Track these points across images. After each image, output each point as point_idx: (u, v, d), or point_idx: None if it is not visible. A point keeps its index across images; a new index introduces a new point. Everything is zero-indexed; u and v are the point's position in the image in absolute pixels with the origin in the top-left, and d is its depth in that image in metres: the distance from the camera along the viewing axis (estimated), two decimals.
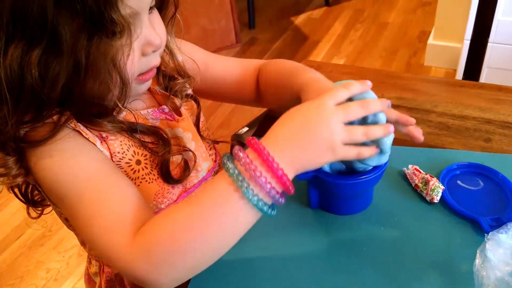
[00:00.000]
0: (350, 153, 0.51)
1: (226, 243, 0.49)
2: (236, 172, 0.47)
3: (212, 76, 0.76)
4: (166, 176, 0.62)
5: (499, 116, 0.75)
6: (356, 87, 0.53)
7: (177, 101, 0.67)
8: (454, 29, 2.08)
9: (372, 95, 0.55)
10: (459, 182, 0.66)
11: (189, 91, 0.70)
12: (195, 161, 0.67)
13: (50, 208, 0.69)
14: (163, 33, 0.58)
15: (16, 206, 1.75)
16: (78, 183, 0.52)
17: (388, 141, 0.55)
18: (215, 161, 0.73)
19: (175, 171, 0.64)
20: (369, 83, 0.54)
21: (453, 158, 0.69)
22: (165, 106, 0.65)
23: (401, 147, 0.72)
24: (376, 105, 0.53)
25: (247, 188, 0.46)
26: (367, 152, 0.53)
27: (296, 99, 0.63)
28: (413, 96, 0.82)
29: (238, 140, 0.85)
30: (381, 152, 0.55)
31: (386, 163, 0.58)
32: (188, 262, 0.49)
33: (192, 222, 0.48)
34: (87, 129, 0.55)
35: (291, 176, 0.48)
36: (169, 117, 0.65)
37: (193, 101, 0.70)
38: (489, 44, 1.37)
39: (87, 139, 0.54)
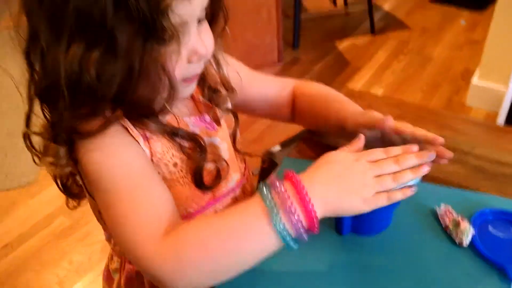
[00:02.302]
0: (381, 202, 0.55)
1: (245, 261, 0.53)
2: (270, 198, 0.51)
3: (250, 92, 0.79)
4: (199, 181, 0.65)
5: None
6: (388, 163, 0.56)
7: (219, 112, 0.70)
8: (500, 71, 2.05)
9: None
10: (490, 228, 0.65)
11: (229, 105, 0.73)
12: (227, 171, 0.69)
13: (85, 201, 0.73)
14: (210, 44, 0.60)
15: (49, 195, 1.81)
16: (119, 178, 0.55)
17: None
18: (244, 174, 0.75)
19: (207, 178, 0.66)
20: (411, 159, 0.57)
21: (487, 203, 0.68)
22: (206, 115, 0.68)
23: (434, 185, 0.72)
24: (411, 160, 0.56)
25: (276, 215, 0.50)
26: (399, 195, 0.56)
27: (338, 127, 0.69)
28: (452, 135, 0.82)
29: (270, 158, 0.86)
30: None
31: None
32: (210, 269, 0.52)
33: (222, 233, 0.52)
34: (134, 126, 0.58)
35: (319, 216, 0.52)
36: (209, 126, 0.68)
37: (232, 115, 0.73)
38: None
39: (133, 136, 0.58)
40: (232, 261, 0.53)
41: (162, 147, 0.61)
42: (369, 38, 2.85)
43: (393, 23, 3.02)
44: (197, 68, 0.60)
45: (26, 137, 0.61)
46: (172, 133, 0.62)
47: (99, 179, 0.56)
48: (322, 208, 0.52)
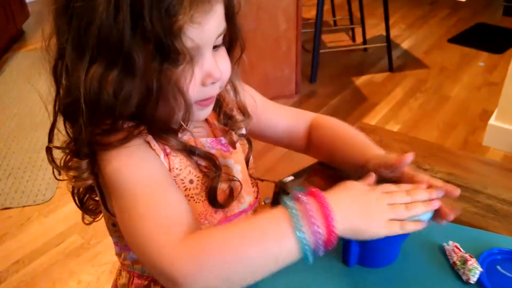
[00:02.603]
0: (394, 229, 0.57)
1: (263, 267, 0.53)
2: (295, 209, 0.53)
3: (265, 119, 0.81)
4: (212, 199, 0.67)
5: None
6: (400, 194, 0.60)
7: (234, 137, 0.73)
8: None
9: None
10: (499, 267, 0.64)
11: (243, 131, 0.75)
12: (240, 191, 0.72)
13: (99, 219, 0.74)
14: (226, 70, 0.64)
15: (63, 214, 1.84)
16: (139, 183, 0.57)
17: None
18: (256, 197, 0.77)
19: (220, 197, 0.69)
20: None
21: (496, 243, 0.68)
22: (222, 138, 0.71)
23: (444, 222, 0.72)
24: (422, 194, 0.59)
25: (299, 222, 0.52)
26: (411, 226, 0.58)
27: (358, 166, 0.71)
28: (463, 174, 0.82)
29: (282, 188, 0.87)
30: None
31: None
32: (228, 274, 0.52)
33: (243, 238, 0.53)
34: (156, 141, 0.61)
35: (338, 232, 0.53)
36: (224, 149, 0.71)
37: (245, 140, 0.75)
38: None
39: (154, 150, 0.61)
40: (250, 266, 0.53)
41: (180, 163, 0.64)
42: (387, 75, 2.88)
43: (411, 61, 3.05)
44: (211, 91, 0.63)
45: (49, 151, 0.65)
46: (190, 151, 0.65)
47: (119, 185, 0.57)
48: (342, 225, 0.53)
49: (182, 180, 0.65)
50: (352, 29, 3.37)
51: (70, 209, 1.87)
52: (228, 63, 0.65)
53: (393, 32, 3.37)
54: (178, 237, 0.53)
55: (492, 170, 0.83)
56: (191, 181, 0.66)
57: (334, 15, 3.50)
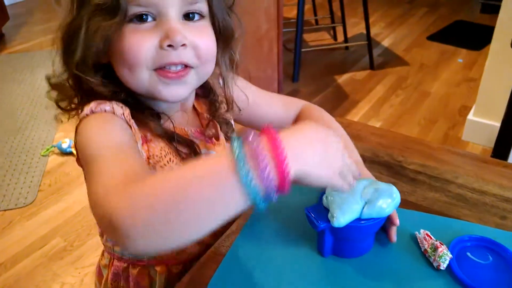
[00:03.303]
0: (346, 185, 0.55)
1: (203, 217, 0.47)
2: (241, 152, 0.46)
3: (257, 111, 0.84)
4: None
5: None
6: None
7: (220, 129, 0.75)
8: (495, 108, 2.09)
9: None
10: (468, 254, 0.66)
11: (231, 121, 0.79)
12: None
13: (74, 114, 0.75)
14: (203, 44, 0.63)
15: (45, 217, 1.83)
16: (104, 146, 0.58)
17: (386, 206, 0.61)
18: None
19: None
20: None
21: (466, 230, 0.70)
22: (208, 130, 0.73)
23: (416, 211, 0.74)
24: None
25: (245, 170, 0.45)
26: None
27: None
28: (436, 165, 0.84)
29: None
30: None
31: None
32: (165, 218, 0.46)
33: (180, 182, 0.47)
34: (138, 127, 0.63)
35: (291, 173, 0.47)
36: (208, 140, 0.73)
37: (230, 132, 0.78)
38: None
39: (134, 135, 0.62)
40: (188, 213, 0.46)
41: (161, 151, 0.66)
42: (368, 72, 2.92)
43: (392, 59, 3.09)
44: (169, 57, 0.61)
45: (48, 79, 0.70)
46: (170, 137, 0.66)
47: (87, 150, 0.58)
48: (296, 166, 0.47)
49: (161, 167, 0.66)
50: (334, 28, 3.40)
51: (52, 212, 1.85)
52: (208, 39, 0.64)
53: (374, 31, 3.41)
54: (122, 182, 0.50)
55: (464, 160, 0.86)
56: (170, 169, 0.66)
57: (315, 14, 3.53)
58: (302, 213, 0.64)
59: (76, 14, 0.61)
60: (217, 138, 0.74)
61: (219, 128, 0.75)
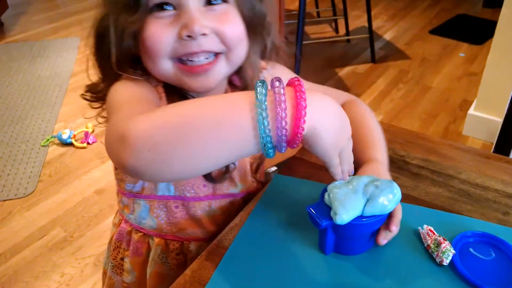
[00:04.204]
0: (337, 160, 0.55)
1: (209, 148, 0.47)
2: (264, 96, 0.46)
3: None
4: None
5: None
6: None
7: None
8: (496, 103, 2.08)
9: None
10: (471, 249, 0.66)
11: None
12: (233, 171, 0.74)
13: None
14: (228, 32, 0.62)
15: (45, 207, 1.83)
16: (127, 97, 0.61)
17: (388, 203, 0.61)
18: (253, 191, 0.80)
19: (215, 173, 0.71)
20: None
21: (469, 226, 0.69)
22: None
23: (419, 207, 0.74)
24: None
25: (264, 114, 0.45)
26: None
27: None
28: (438, 159, 0.84)
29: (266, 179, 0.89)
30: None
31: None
32: (166, 141, 0.47)
33: (196, 107, 0.48)
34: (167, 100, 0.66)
35: (306, 127, 0.47)
36: None
37: None
38: None
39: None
40: (199, 137, 0.46)
41: None
42: (370, 66, 2.91)
43: (393, 52, 3.08)
44: (189, 46, 0.60)
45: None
46: None
47: (112, 102, 0.62)
48: (312, 122, 0.48)
49: None
50: (335, 21, 3.39)
51: (52, 202, 1.86)
52: (232, 23, 0.63)
53: (376, 24, 3.40)
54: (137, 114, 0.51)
55: (467, 156, 0.85)
56: None
57: (317, 7, 3.51)
58: (303, 211, 0.63)
59: (103, 14, 0.63)
60: None
61: None
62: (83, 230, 1.73)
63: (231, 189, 0.76)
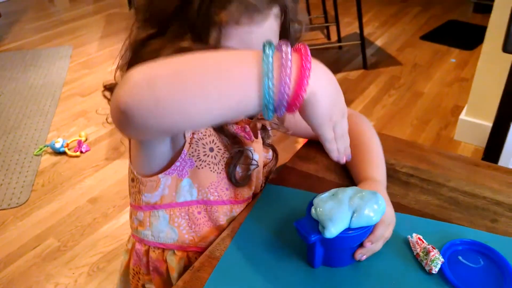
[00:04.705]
0: (331, 133, 0.55)
1: (208, 100, 0.47)
2: (270, 55, 0.47)
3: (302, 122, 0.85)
4: (231, 174, 0.72)
5: (509, 200, 0.77)
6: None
7: (258, 125, 0.77)
8: (487, 108, 2.10)
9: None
10: (460, 257, 0.67)
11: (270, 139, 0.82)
12: (262, 178, 0.78)
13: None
14: None
15: (39, 217, 1.82)
16: None
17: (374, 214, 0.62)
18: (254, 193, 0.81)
19: (238, 175, 0.74)
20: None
21: (458, 234, 0.70)
22: (246, 126, 0.75)
23: (408, 215, 0.74)
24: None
25: (269, 73, 0.46)
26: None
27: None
28: (428, 168, 0.85)
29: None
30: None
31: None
32: (178, 95, 0.46)
33: (200, 59, 0.48)
34: None
35: (307, 92, 0.48)
36: (247, 136, 0.75)
37: (272, 151, 0.82)
38: None
39: None
40: (202, 88, 0.46)
41: (206, 130, 0.69)
42: (361, 72, 2.92)
43: (385, 58, 3.10)
44: None
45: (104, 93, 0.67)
46: (219, 127, 0.71)
47: None
48: (310, 87, 0.48)
49: (203, 144, 0.70)
50: (327, 28, 3.41)
51: (45, 212, 1.85)
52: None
53: (367, 30, 3.42)
54: None
55: (456, 164, 0.86)
56: (211, 149, 0.70)
57: (309, 14, 3.53)
58: (293, 221, 0.64)
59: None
60: (256, 136, 0.77)
61: (258, 126, 0.78)
62: (77, 240, 1.72)
63: (250, 193, 0.78)
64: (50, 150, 2.20)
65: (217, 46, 0.58)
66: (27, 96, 2.67)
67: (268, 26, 0.61)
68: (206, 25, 0.57)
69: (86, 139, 2.27)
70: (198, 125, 0.50)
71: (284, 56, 0.47)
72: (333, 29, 3.31)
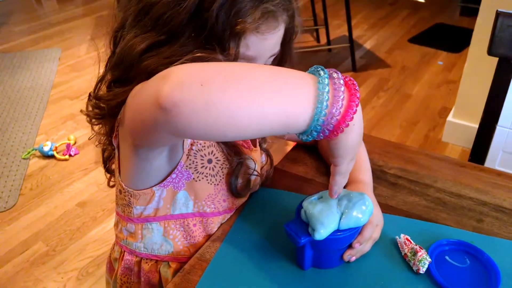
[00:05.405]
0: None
1: (258, 108, 0.46)
2: (326, 81, 0.47)
3: None
4: (233, 185, 0.71)
5: (494, 200, 0.78)
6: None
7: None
8: (473, 110, 2.13)
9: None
10: (447, 257, 0.68)
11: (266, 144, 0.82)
12: (258, 185, 0.78)
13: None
14: None
15: (27, 221, 1.81)
16: None
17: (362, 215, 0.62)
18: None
19: (239, 185, 0.73)
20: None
21: (445, 234, 0.71)
22: None
23: (396, 216, 0.75)
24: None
25: (324, 98, 0.46)
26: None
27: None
28: (415, 169, 0.86)
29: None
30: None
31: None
32: (217, 86, 0.45)
33: (256, 68, 0.49)
34: None
35: (350, 121, 0.49)
36: (245, 144, 0.75)
37: (266, 156, 0.82)
38: (505, 129, 1.41)
39: None
40: (256, 104, 0.45)
41: (205, 142, 0.68)
42: (351, 74, 2.94)
43: (374, 61, 3.12)
44: None
45: (88, 100, 0.67)
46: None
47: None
48: (352, 121, 0.49)
49: (201, 156, 0.68)
50: (317, 30, 3.43)
51: (33, 216, 1.84)
52: None
53: (356, 33, 3.45)
54: None
55: (442, 165, 0.88)
56: (209, 161, 0.69)
57: None
58: (283, 223, 0.64)
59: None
60: (255, 144, 0.77)
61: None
62: (66, 244, 1.71)
63: (244, 200, 0.79)
64: (38, 153, 2.19)
65: (235, 54, 0.58)
66: (15, 99, 2.65)
67: (280, 33, 0.63)
68: (225, 33, 0.56)
69: (75, 142, 2.25)
70: (239, 135, 0.48)
71: (336, 87, 0.48)
72: (322, 31, 3.33)
